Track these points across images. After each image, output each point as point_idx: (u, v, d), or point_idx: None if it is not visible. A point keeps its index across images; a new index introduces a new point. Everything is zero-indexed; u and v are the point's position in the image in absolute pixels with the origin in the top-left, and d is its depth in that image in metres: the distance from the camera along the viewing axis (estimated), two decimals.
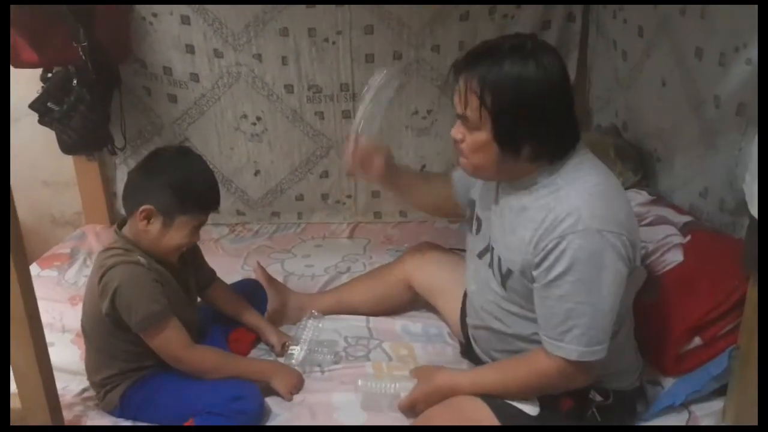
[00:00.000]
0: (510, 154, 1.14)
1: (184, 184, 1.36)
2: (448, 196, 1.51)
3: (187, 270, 1.51)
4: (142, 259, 1.36)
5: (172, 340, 1.36)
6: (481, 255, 1.33)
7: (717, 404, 1.32)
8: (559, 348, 1.16)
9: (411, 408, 1.33)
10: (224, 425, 1.31)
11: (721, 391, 1.32)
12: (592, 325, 1.13)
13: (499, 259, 1.25)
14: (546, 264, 1.14)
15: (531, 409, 1.24)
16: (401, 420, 1.35)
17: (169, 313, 1.35)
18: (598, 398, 1.26)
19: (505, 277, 1.25)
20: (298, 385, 1.46)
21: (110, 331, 1.37)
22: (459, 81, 1.14)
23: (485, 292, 1.31)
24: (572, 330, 1.13)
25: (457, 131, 1.18)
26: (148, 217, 1.35)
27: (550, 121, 1.12)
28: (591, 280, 1.11)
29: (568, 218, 1.11)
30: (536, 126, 1.11)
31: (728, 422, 1.29)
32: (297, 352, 1.55)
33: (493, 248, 1.28)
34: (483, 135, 1.14)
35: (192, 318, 1.50)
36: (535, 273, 1.17)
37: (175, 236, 1.37)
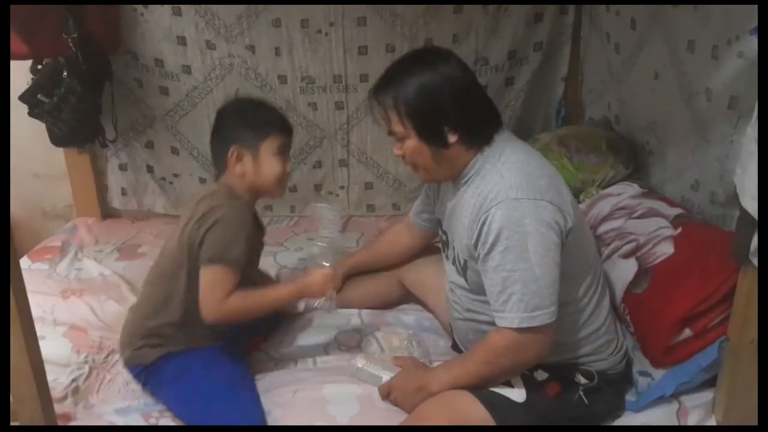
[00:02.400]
0: (439, 147, 1.26)
1: (252, 114, 1.48)
2: (406, 241, 1.69)
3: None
4: (234, 201, 1.42)
5: (220, 287, 1.35)
6: (453, 262, 1.40)
7: (707, 395, 1.34)
8: (503, 318, 1.21)
9: (386, 395, 1.38)
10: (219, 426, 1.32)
11: (711, 382, 1.33)
12: (527, 290, 1.18)
13: (458, 255, 1.34)
14: (480, 241, 1.22)
15: (518, 396, 1.28)
16: (394, 413, 1.35)
17: (239, 263, 1.36)
18: (584, 381, 1.30)
19: (463, 269, 1.33)
20: (329, 285, 1.45)
21: (186, 272, 1.39)
22: (377, 104, 1.30)
23: (455, 289, 1.40)
24: (511, 298, 1.19)
25: (396, 149, 1.32)
26: (239, 157, 1.43)
27: (460, 111, 1.24)
28: (517, 246, 1.18)
29: (490, 194, 1.22)
30: (449, 117, 1.24)
31: (718, 413, 1.31)
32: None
33: (454, 247, 1.36)
34: (412, 141, 1.27)
35: (254, 277, 1.52)
36: (475, 253, 1.25)
37: (269, 163, 1.44)
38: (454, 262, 1.39)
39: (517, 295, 1.19)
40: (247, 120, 1.47)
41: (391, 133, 1.30)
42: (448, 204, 1.38)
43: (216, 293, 1.35)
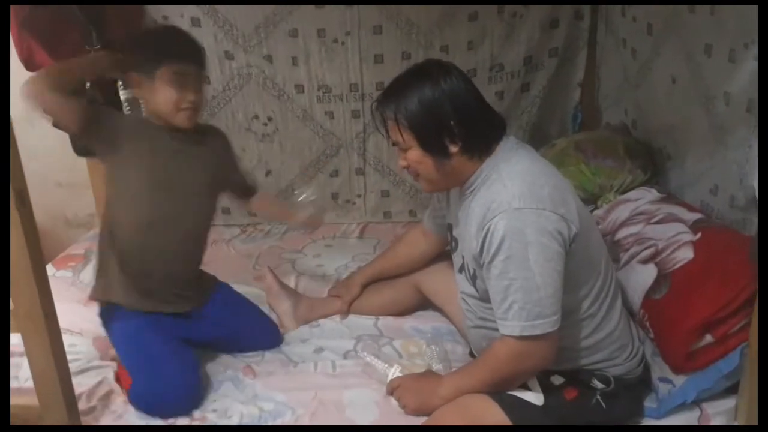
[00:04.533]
0: (441, 156, 1.28)
1: (146, 39, 1.52)
2: (422, 248, 1.70)
3: (223, 165, 1.60)
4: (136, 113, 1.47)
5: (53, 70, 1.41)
6: (460, 270, 1.41)
7: (729, 402, 1.32)
8: (505, 326, 1.23)
9: (393, 389, 1.41)
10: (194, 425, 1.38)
11: (733, 389, 1.32)
12: (528, 299, 1.19)
13: (467, 264, 1.35)
14: (484, 249, 1.24)
15: (536, 399, 1.28)
16: (412, 419, 1.36)
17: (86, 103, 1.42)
18: (600, 385, 1.30)
19: (473, 278, 1.34)
20: None
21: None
22: (381, 117, 1.33)
23: (467, 298, 1.41)
24: (512, 306, 1.21)
25: (401, 160, 1.34)
26: (138, 83, 1.44)
27: (460, 122, 1.26)
28: (518, 256, 1.19)
29: (493, 204, 1.23)
30: (449, 129, 1.26)
31: (740, 420, 1.29)
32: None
33: (462, 256, 1.38)
34: (415, 152, 1.29)
35: (187, 204, 1.51)
36: (480, 261, 1.27)
37: (165, 91, 1.41)
38: (461, 271, 1.40)
39: (518, 304, 1.20)
40: (141, 43, 1.48)
41: (395, 144, 1.33)
42: (457, 212, 1.39)
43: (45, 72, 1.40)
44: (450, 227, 1.47)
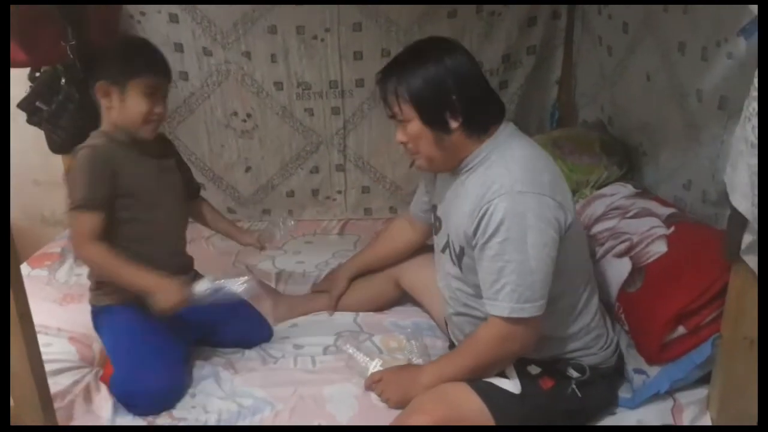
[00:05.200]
0: (441, 131, 1.28)
1: (121, 50, 1.53)
2: (409, 237, 1.70)
3: (180, 167, 1.64)
4: (100, 141, 1.45)
5: (80, 228, 1.39)
6: (443, 249, 1.41)
7: (701, 392, 1.35)
8: (494, 306, 1.25)
9: (374, 382, 1.42)
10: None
11: (705, 379, 1.35)
12: (521, 282, 1.21)
13: (452, 242, 1.35)
14: (480, 229, 1.24)
15: (513, 387, 1.31)
16: (392, 413, 1.36)
17: (91, 203, 1.39)
18: (576, 374, 1.32)
19: (458, 257, 1.34)
20: (174, 308, 1.42)
21: None
22: (382, 90, 1.32)
23: (449, 280, 1.41)
24: (504, 287, 1.22)
25: (400, 135, 1.33)
26: (106, 93, 1.45)
27: (461, 98, 1.26)
28: (516, 238, 1.20)
29: (494, 185, 1.23)
30: (450, 102, 1.26)
31: (712, 409, 1.33)
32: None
33: (448, 235, 1.37)
34: (415, 124, 1.28)
35: (173, 209, 1.57)
36: (473, 241, 1.27)
37: (136, 102, 1.44)
38: (445, 250, 1.40)
39: (510, 286, 1.21)
40: (115, 55, 1.49)
41: (393, 116, 1.32)
42: (445, 191, 1.39)
43: (75, 236, 1.40)
44: (435, 207, 1.47)
